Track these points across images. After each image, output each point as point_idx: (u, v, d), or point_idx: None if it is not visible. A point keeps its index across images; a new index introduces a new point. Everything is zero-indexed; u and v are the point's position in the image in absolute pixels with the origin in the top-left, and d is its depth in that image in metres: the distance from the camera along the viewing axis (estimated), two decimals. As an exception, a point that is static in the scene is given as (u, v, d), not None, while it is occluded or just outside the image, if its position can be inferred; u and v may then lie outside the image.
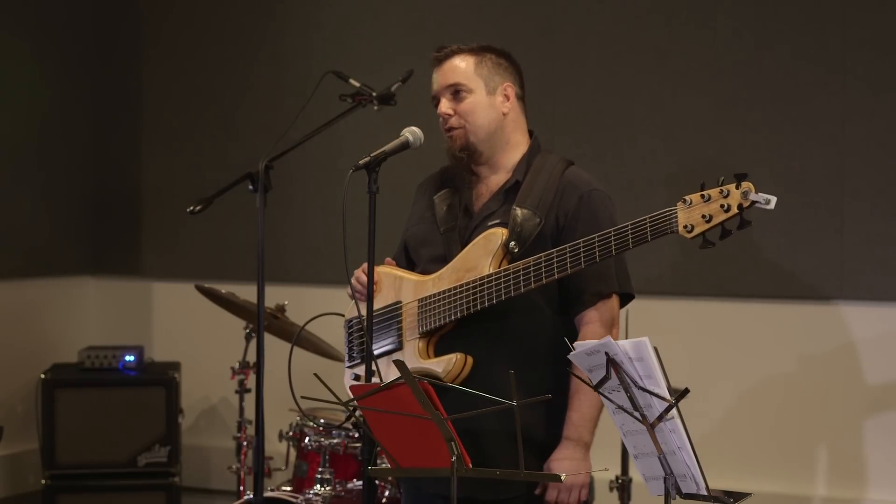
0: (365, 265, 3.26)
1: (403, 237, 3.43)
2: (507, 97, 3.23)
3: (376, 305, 3.27)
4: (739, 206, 2.72)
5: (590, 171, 3.28)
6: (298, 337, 4.52)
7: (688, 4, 5.18)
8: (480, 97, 3.21)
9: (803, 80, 4.98)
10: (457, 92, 3.21)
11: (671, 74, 5.20)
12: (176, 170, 6.23)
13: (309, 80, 3.88)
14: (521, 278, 2.99)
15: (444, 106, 3.23)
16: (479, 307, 3.05)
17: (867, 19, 4.89)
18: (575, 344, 2.68)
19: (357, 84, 3.49)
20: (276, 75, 5.99)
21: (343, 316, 3.40)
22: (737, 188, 2.72)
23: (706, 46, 5.13)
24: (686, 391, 2.54)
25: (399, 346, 3.20)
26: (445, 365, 3.09)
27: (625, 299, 3.23)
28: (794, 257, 4.99)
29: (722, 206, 2.73)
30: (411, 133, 3.22)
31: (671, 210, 2.82)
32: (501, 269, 3.04)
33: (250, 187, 3.36)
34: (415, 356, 3.15)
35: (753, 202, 2.69)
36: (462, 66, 3.22)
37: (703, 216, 2.75)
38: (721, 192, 2.74)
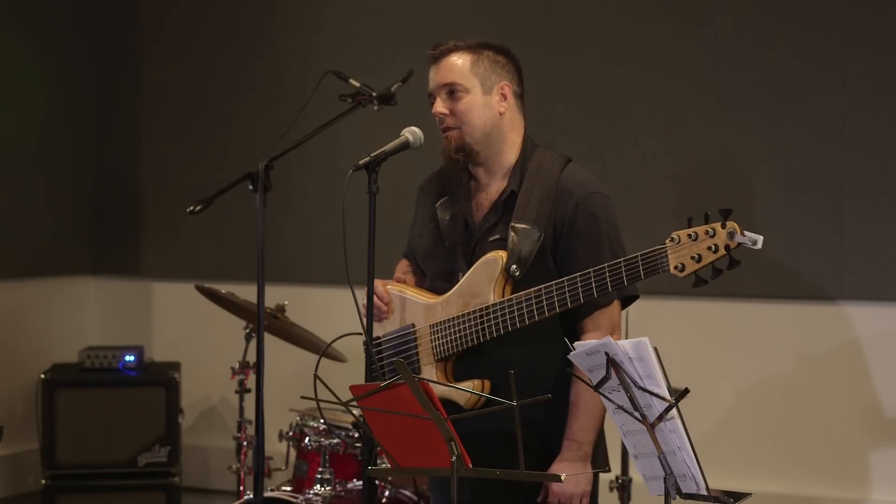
0: (382, 280, 3.28)
1: (409, 244, 3.43)
2: (503, 96, 3.18)
3: (389, 328, 3.28)
4: (726, 247, 2.72)
5: (589, 172, 3.26)
6: (300, 339, 4.54)
7: (688, 4, 5.18)
8: (476, 97, 3.16)
9: (803, 80, 4.98)
10: (452, 91, 3.17)
11: (671, 74, 5.20)
12: (176, 170, 6.22)
13: (309, 80, 3.88)
14: (525, 311, 3.00)
15: (440, 106, 3.19)
16: (486, 337, 3.07)
17: (867, 19, 4.89)
18: (575, 344, 2.69)
19: (357, 84, 3.49)
20: (276, 75, 5.99)
21: (362, 334, 3.39)
22: (722, 227, 2.71)
23: (706, 46, 5.13)
24: (686, 391, 2.54)
25: (418, 371, 3.19)
26: (466, 394, 3.09)
27: (629, 300, 3.22)
28: (794, 257, 4.99)
29: (709, 246, 2.73)
30: (411, 133, 3.21)
31: (661, 249, 2.80)
32: (504, 300, 3.04)
33: (250, 187, 3.36)
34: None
35: (740, 244, 2.69)
36: (458, 65, 3.17)
37: (693, 257, 2.75)
38: (707, 231, 2.74)
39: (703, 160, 5.13)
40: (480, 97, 3.17)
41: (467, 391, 3.05)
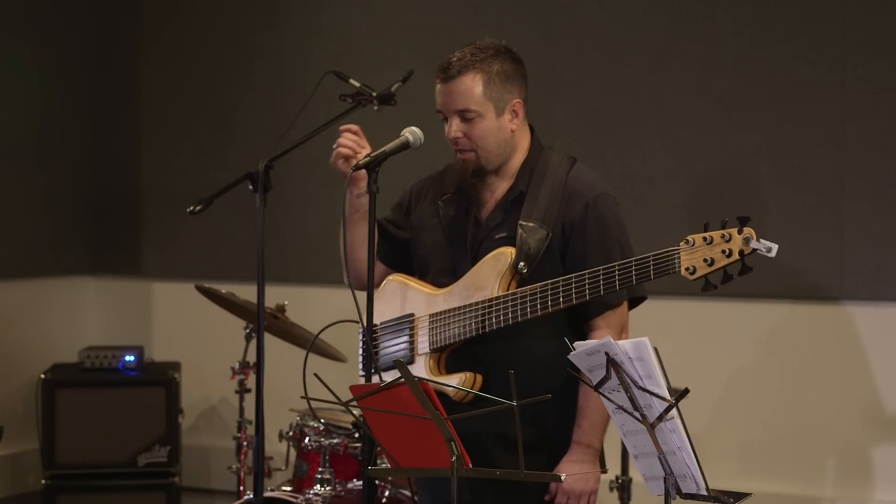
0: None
1: (384, 218, 3.40)
2: (515, 113, 3.19)
3: (388, 316, 3.27)
4: (741, 252, 2.72)
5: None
6: (301, 339, 4.54)
7: (688, 4, 5.17)
8: (490, 121, 3.16)
9: (803, 80, 4.98)
10: (465, 115, 3.16)
11: (671, 74, 5.19)
12: (176, 170, 6.22)
13: (309, 80, 3.88)
14: (528, 305, 3.01)
15: (455, 130, 3.17)
16: (487, 329, 3.07)
17: (867, 19, 4.89)
18: (575, 344, 2.69)
19: (357, 84, 3.49)
20: (276, 75, 5.99)
21: (357, 322, 3.39)
22: (739, 233, 2.72)
23: (706, 46, 5.13)
24: (686, 391, 2.55)
25: (410, 361, 3.20)
26: (456, 384, 3.09)
27: (637, 301, 3.23)
28: (794, 257, 4.98)
29: (723, 250, 2.74)
30: (411, 133, 3.22)
31: (674, 250, 2.82)
32: (510, 292, 3.05)
33: (250, 187, 3.36)
34: (426, 371, 3.15)
35: (754, 249, 2.70)
36: (472, 90, 3.14)
37: (705, 259, 2.76)
38: (723, 235, 2.75)
39: (704, 160, 5.13)
40: (494, 121, 3.16)
41: (456, 388, 3.05)
